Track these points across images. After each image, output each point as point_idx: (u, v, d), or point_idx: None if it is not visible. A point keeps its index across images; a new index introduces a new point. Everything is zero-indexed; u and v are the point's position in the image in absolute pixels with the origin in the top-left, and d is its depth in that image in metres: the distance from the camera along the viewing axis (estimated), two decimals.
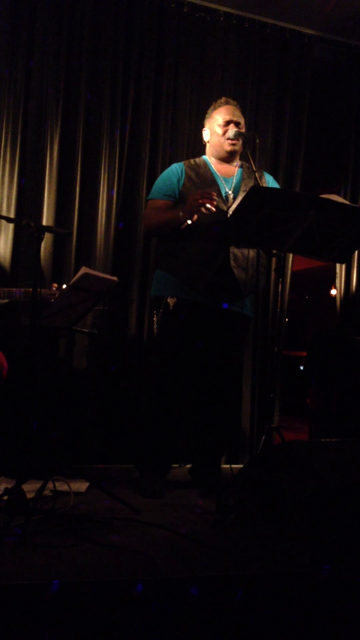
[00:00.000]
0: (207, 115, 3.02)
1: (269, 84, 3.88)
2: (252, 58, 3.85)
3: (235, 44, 3.81)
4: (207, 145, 3.03)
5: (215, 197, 2.63)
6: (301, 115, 3.94)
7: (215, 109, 2.97)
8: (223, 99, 3.00)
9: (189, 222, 2.70)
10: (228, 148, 2.92)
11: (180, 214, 2.72)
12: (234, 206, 2.83)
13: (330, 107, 4.24)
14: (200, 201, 2.61)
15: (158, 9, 3.63)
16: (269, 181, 3.06)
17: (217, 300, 2.85)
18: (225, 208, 2.85)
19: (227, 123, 2.91)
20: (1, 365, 2.64)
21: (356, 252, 4.04)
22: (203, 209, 2.62)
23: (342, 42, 4.09)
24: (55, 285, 2.75)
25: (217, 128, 2.93)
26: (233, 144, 2.91)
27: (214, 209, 2.64)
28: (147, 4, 3.59)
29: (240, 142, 2.92)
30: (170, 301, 2.87)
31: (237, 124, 2.92)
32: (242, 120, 2.96)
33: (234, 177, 2.96)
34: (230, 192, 2.90)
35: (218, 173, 2.95)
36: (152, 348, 3.22)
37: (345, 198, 3.93)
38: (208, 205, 2.61)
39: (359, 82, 4.17)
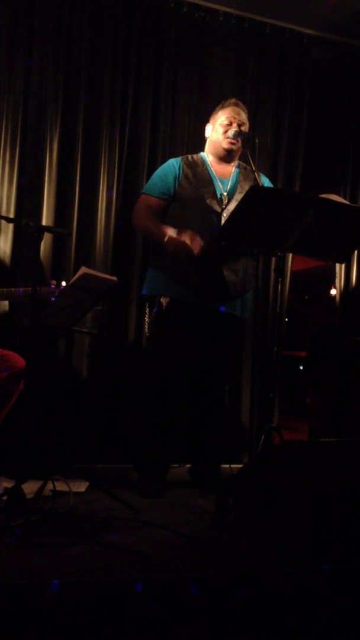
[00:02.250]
0: (214, 112, 3.01)
1: (269, 83, 3.88)
2: (252, 58, 3.85)
3: (235, 44, 3.81)
4: (207, 141, 3.02)
5: (199, 249, 2.64)
6: (300, 115, 3.94)
7: (222, 107, 2.96)
8: (233, 100, 2.98)
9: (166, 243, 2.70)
10: (226, 146, 2.91)
11: (166, 239, 2.69)
12: (229, 208, 2.83)
13: (329, 107, 4.24)
14: (190, 249, 2.63)
15: (157, 9, 3.63)
16: (264, 183, 3.06)
17: (207, 301, 2.85)
18: (219, 210, 2.85)
19: (230, 123, 2.90)
20: (16, 362, 2.65)
21: (355, 252, 4.04)
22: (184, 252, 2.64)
23: (341, 42, 4.09)
24: (54, 282, 2.75)
25: (219, 127, 2.92)
26: (232, 143, 2.90)
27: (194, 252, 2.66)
28: (147, 4, 3.59)
29: (239, 142, 2.91)
30: (164, 301, 2.87)
31: (239, 126, 2.91)
32: (246, 124, 2.95)
33: (230, 179, 2.95)
34: (225, 194, 2.89)
35: (215, 173, 2.94)
36: (147, 348, 3.22)
37: (344, 198, 3.93)
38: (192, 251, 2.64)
39: (358, 82, 4.17)
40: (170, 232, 2.71)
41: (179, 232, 2.69)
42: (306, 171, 3.95)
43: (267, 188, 2.92)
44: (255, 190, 2.49)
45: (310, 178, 4.06)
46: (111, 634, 1.67)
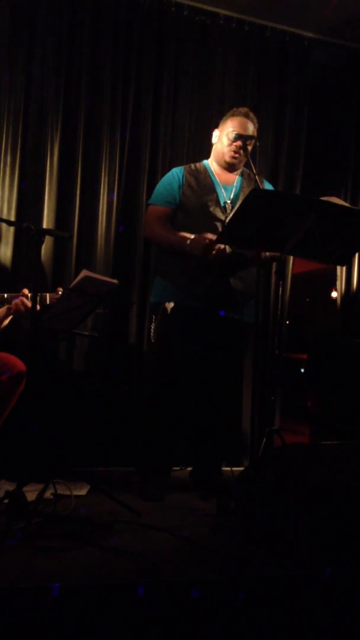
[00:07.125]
0: (223, 118, 2.95)
1: (269, 87, 3.89)
2: (252, 61, 3.86)
3: (235, 47, 3.81)
4: (213, 147, 3.00)
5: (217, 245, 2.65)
6: (301, 118, 3.94)
7: (233, 115, 2.89)
8: (244, 110, 2.90)
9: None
10: (228, 159, 2.89)
11: (188, 242, 2.70)
12: None
13: (330, 110, 4.24)
14: (213, 253, 2.63)
15: (158, 12, 3.64)
16: (267, 187, 3.05)
17: (213, 307, 2.85)
18: (223, 217, 2.85)
19: (237, 138, 2.83)
20: (16, 365, 2.65)
21: (356, 255, 4.04)
22: (210, 257, 2.64)
23: (341, 45, 4.09)
24: (60, 289, 2.74)
25: (225, 137, 2.87)
26: (234, 157, 2.88)
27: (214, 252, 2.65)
28: (147, 7, 3.60)
29: (242, 155, 2.86)
30: (168, 306, 2.87)
31: (245, 140, 2.81)
32: (254, 136, 2.87)
33: (234, 186, 2.94)
34: (229, 201, 2.88)
35: (218, 180, 2.93)
36: (150, 352, 3.21)
37: (345, 201, 3.93)
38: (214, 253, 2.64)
39: (359, 85, 4.18)
40: (188, 235, 2.72)
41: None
42: (307, 174, 3.95)
43: (268, 191, 2.91)
44: (256, 193, 2.49)
45: (311, 181, 4.07)
46: (113, 637, 1.67)
